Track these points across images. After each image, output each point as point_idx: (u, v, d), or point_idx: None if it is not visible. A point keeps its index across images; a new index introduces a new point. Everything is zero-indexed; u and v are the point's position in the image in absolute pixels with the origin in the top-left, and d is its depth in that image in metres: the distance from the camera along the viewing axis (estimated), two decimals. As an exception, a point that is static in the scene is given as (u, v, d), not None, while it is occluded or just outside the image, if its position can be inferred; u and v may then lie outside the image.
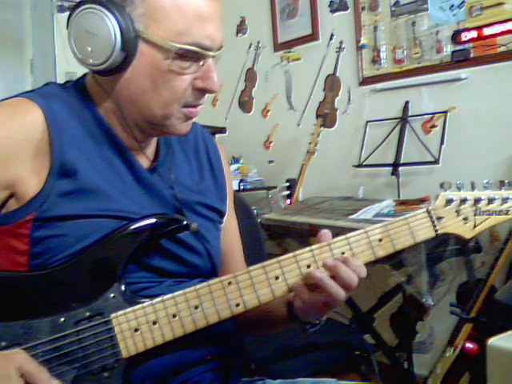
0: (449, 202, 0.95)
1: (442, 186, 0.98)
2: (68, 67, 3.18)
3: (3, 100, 0.90)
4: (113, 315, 0.83)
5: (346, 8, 2.79)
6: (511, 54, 2.19)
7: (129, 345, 0.83)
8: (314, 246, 0.90)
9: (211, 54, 0.89)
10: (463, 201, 0.95)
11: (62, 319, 0.82)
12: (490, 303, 1.91)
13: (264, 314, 1.01)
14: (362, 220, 2.06)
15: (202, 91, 0.91)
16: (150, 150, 1.00)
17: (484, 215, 0.96)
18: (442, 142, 2.35)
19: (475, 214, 0.95)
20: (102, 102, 0.93)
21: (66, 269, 0.85)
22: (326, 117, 2.85)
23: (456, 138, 2.35)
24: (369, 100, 2.73)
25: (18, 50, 3.19)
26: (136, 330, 0.83)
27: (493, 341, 1.16)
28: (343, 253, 0.90)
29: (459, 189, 0.97)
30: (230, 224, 1.11)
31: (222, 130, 3.05)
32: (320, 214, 2.30)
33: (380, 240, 0.92)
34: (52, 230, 0.85)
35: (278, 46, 3.16)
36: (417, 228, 0.93)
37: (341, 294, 0.87)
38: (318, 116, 2.93)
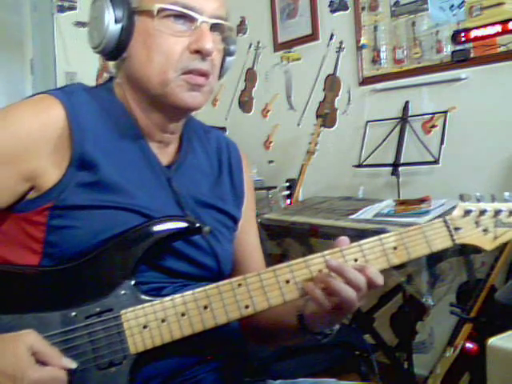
0: (467, 212, 0.94)
1: (461, 197, 0.98)
2: (68, 67, 3.19)
3: (29, 97, 0.93)
4: (122, 311, 0.84)
5: (346, 8, 2.79)
6: (511, 54, 2.19)
7: (137, 341, 0.84)
8: (326, 252, 0.89)
9: (201, 17, 0.90)
10: (482, 212, 0.95)
11: (74, 313, 0.84)
12: (490, 303, 1.91)
13: (275, 324, 1.01)
14: (362, 220, 2.06)
15: (197, 53, 0.91)
16: (172, 147, 1.02)
17: (505, 227, 0.95)
18: (441, 142, 2.35)
19: (496, 226, 0.95)
20: (123, 95, 0.97)
21: (80, 265, 0.86)
22: (326, 117, 2.85)
23: (456, 138, 2.35)
24: (369, 100, 2.73)
25: (18, 50, 3.19)
26: (145, 327, 0.84)
27: (493, 341, 1.16)
28: (356, 259, 0.89)
29: (478, 200, 0.97)
30: (248, 234, 1.11)
31: (221, 130, 3.05)
32: (320, 213, 2.30)
33: (395, 248, 0.90)
34: (69, 221, 0.87)
35: (277, 46, 3.16)
36: (433, 237, 0.92)
37: (351, 294, 0.84)
38: (317, 116, 2.93)
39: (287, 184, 2.81)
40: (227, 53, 1.01)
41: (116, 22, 0.91)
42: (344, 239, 0.90)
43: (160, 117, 0.96)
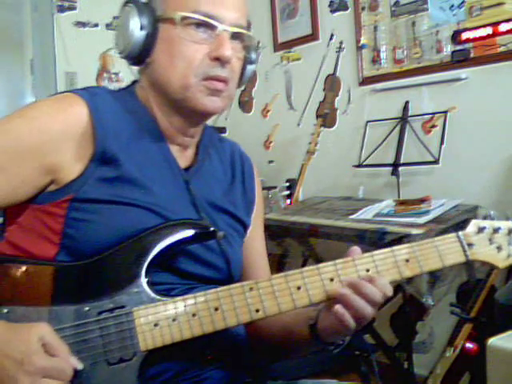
0: (481, 229, 0.96)
1: (485, 217, 0.99)
2: (68, 67, 3.19)
3: (52, 95, 0.96)
4: (135, 308, 0.86)
5: (346, 8, 2.79)
6: (511, 53, 2.19)
7: (147, 338, 0.85)
8: (338, 260, 0.90)
9: (221, 26, 0.94)
10: (496, 230, 0.96)
11: (87, 308, 0.85)
12: (490, 303, 1.91)
13: (285, 333, 1.01)
14: (361, 220, 2.06)
15: (217, 60, 0.94)
16: (190, 152, 1.05)
17: None
18: (442, 142, 2.35)
19: (509, 244, 0.96)
20: (146, 99, 1.00)
21: (95, 261, 0.88)
22: (326, 117, 2.85)
23: (456, 138, 2.35)
24: (369, 100, 2.73)
25: (17, 50, 3.19)
26: (156, 325, 0.85)
27: (493, 341, 1.16)
28: (368, 270, 0.90)
29: (492, 219, 0.98)
30: (255, 242, 1.13)
31: (222, 130, 3.05)
32: (320, 213, 2.30)
33: (407, 260, 0.91)
34: (87, 214, 0.89)
35: (278, 46, 3.16)
36: (446, 252, 0.93)
37: (367, 309, 0.87)
38: (317, 116, 2.93)
39: (287, 184, 2.81)
40: (248, 61, 1.05)
41: (141, 29, 0.94)
42: (356, 249, 0.92)
43: (181, 120, 0.99)
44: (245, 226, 1.09)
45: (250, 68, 1.07)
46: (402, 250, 0.92)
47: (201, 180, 1.02)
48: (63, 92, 0.97)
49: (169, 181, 0.98)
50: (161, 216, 0.92)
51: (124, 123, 0.96)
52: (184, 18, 0.93)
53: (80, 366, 0.81)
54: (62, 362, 0.78)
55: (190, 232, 0.91)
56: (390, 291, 0.88)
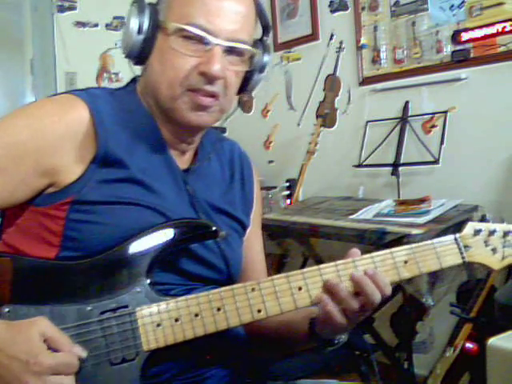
0: (477, 232, 0.97)
1: (482, 219, 1.00)
2: (68, 67, 3.19)
3: (53, 95, 0.96)
4: (138, 308, 0.86)
5: (346, 8, 2.79)
6: (511, 53, 2.19)
7: (150, 338, 0.85)
8: (339, 262, 0.91)
9: (214, 40, 0.92)
10: (492, 232, 0.97)
11: (89, 308, 0.85)
12: (490, 303, 1.91)
13: (285, 327, 1.02)
14: (361, 220, 2.06)
15: (204, 75, 0.92)
16: (190, 154, 1.05)
17: None
18: (442, 142, 2.35)
19: (504, 246, 0.97)
20: (146, 99, 1.00)
21: (97, 260, 0.88)
22: (325, 117, 2.85)
23: (456, 138, 2.35)
24: (369, 100, 2.73)
25: (17, 50, 3.19)
26: (158, 325, 0.85)
27: (493, 341, 1.16)
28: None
29: (487, 221, 0.99)
30: (253, 242, 1.13)
31: (222, 130, 3.05)
32: (320, 213, 2.30)
33: (405, 262, 0.93)
34: (88, 216, 0.89)
35: (277, 46, 3.16)
36: (443, 254, 0.94)
37: (378, 297, 0.89)
38: (317, 116, 2.93)
39: (287, 184, 2.81)
40: (255, 69, 1.02)
41: (139, 32, 0.94)
42: (356, 251, 0.93)
43: (175, 128, 0.99)
44: (244, 226, 1.09)
45: (257, 77, 1.04)
46: (400, 252, 0.93)
47: (200, 181, 1.03)
48: (63, 93, 0.97)
49: (169, 181, 0.98)
50: (164, 215, 0.92)
51: (124, 125, 0.95)
52: (178, 30, 0.92)
53: (84, 353, 0.81)
54: (67, 356, 0.78)
55: (191, 231, 0.92)
56: (388, 291, 0.90)
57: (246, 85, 1.03)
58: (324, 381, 1.13)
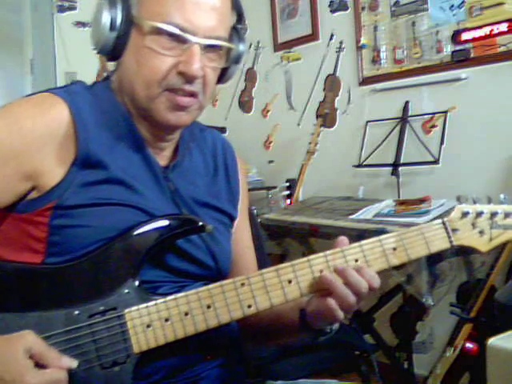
0: (465, 214, 0.95)
1: (458, 199, 0.99)
2: (68, 67, 3.19)
3: (30, 95, 0.93)
4: (126, 310, 0.84)
5: (346, 8, 2.79)
6: (511, 54, 2.19)
7: (140, 340, 0.84)
8: (327, 252, 0.90)
9: (193, 38, 0.89)
10: (479, 214, 0.96)
11: (77, 312, 0.83)
12: (490, 303, 1.91)
13: (276, 319, 1.01)
14: (361, 220, 2.07)
15: (182, 75, 0.90)
16: (169, 149, 1.02)
17: (500, 229, 0.95)
18: (442, 142, 2.35)
19: (491, 228, 0.95)
20: (121, 95, 0.96)
21: (83, 263, 0.86)
22: (325, 117, 2.85)
23: (456, 138, 2.35)
24: (369, 100, 2.73)
25: (17, 50, 3.19)
26: (148, 326, 0.84)
27: (493, 341, 1.16)
28: (356, 260, 0.90)
29: (475, 202, 0.98)
30: (242, 233, 1.11)
31: (222, 130, 3.05)
32: (320, 213, 2.30)
33: (394, 249, 0.92)
34: (72, 220, 0.86)
35: (278, 46, 3.16)
36: (432, 238, 0.93)
37: (351, 298, 0.87)
38: (317, 116, 2.93)
39: (287, 184, 2.81)
40: (231, 62, 0.99)
41: (111, 29, 0.90)
42: (343, 239, 0.92)
43: (152, 127, 0.96)
44: (232, 218, 1.07)
45: (233, 68, 1.01)
46: (389, 239, 0.92)
47: (182, 176, 1.00)
48: (40, 92, 0.93)
49: (149, 180, 0.96)
50: (147, 213, 0.90)
51: (103, 124, 0.93)
52: (154, 29, 0.88)
53: (74, 363, 0.79)
54: (55, 372, 0.76)
55: (177, 227, 0.90)
56: (377, 283, 0.88)
57: (221, 76, 1.00)
58: (324, 381, 1.12)
